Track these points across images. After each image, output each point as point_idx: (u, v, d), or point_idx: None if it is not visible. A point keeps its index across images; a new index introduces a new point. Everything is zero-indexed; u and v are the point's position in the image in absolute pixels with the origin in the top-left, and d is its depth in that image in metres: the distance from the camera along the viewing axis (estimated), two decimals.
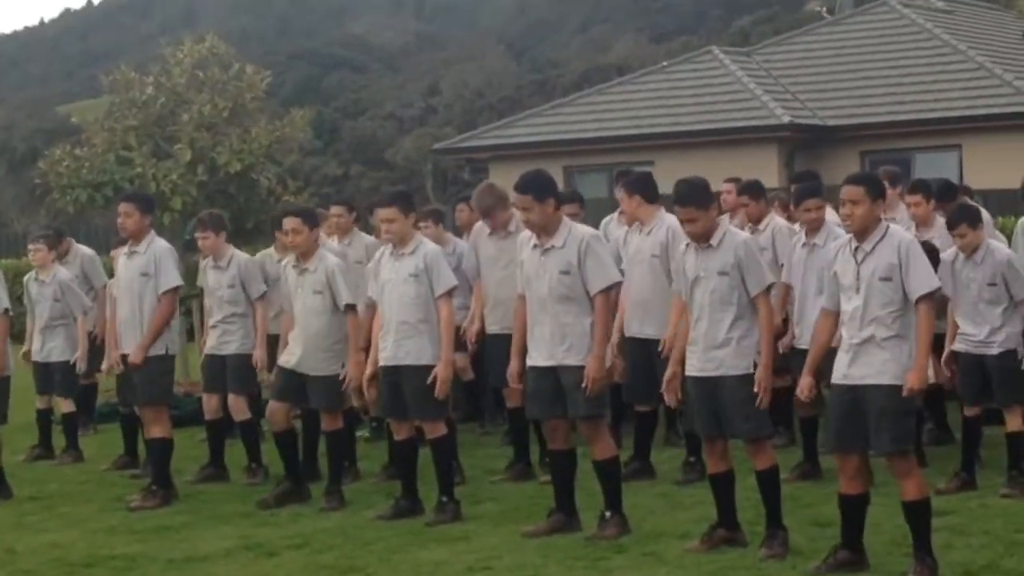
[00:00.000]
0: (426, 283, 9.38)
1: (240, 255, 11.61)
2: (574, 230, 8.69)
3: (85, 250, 14.63)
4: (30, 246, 13.11)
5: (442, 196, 55.80)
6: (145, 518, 10.11)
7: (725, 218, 8.53)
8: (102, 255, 15.22)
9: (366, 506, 10.03)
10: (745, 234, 8.48)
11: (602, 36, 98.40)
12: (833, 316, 7.72)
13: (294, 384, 10.21)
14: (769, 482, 8.20)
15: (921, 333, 7.41)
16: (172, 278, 10.65)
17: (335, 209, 12.66)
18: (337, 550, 8.83)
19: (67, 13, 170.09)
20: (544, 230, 8.64)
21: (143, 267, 10.61)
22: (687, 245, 8.32)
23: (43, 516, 10.46)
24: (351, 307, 10.14)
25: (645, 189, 10.41)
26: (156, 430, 10.66)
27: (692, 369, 8.21)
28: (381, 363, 9.51)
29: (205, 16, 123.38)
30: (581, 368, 8.53)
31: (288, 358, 10.26)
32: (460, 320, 11.12)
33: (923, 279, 7.44)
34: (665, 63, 33.18)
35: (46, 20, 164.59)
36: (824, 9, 40.35)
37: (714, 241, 8.14)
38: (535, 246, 8.72)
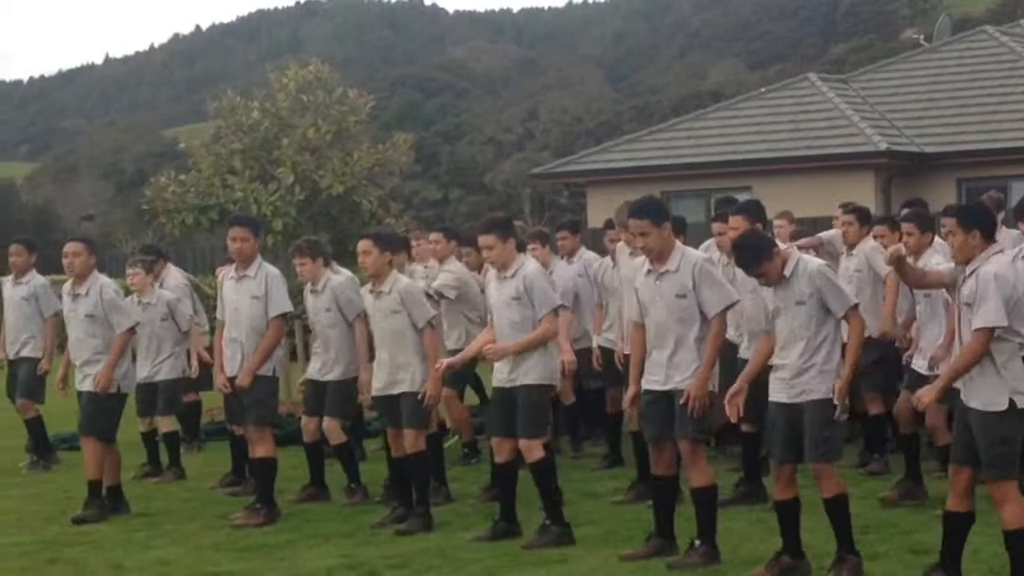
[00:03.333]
0: (529, 304, 9.49)
1: (334, 279, 11.63)
2: (687, 254, 8.76)
3: (177, 277, 14.74)
4: (128, 270, 13.36)
5: (540, 220, 55.98)
6: (249, 535, 10.30)
7: (795, 249, 8.45)
8: (207, 275, 15.43)
9: (464, 527, 10.14)
10: (819, 262, 8.42)
11: (699, 63, 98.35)
12: None
13: (394, 407, 10.34)
14: (838, 509, 8.17)
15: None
16: (283, 304, 10.84)
17: (433, 236, 12.56)
18: (436, 571, 8.93)
19: (175, 39, 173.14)
20: (659, 255, 8.72)
21: (254, 291, 10.79)
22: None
23: (150, 533, 10.67)
24: (428, 325, 10.28)
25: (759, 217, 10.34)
26: (261, 449, 10.85)
27: (776, 395, 8.22)
28: (495, 384, 9.65)
29: (309, 42, 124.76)
30: None
31: (377, 384, 10.39)
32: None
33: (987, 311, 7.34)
34: (763, 89, 33.07)
35: (156, 45, 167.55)
36: (921, 37, 40.05)
37: (787, 272, 8.13)
38: (649, 271, 8.79)
